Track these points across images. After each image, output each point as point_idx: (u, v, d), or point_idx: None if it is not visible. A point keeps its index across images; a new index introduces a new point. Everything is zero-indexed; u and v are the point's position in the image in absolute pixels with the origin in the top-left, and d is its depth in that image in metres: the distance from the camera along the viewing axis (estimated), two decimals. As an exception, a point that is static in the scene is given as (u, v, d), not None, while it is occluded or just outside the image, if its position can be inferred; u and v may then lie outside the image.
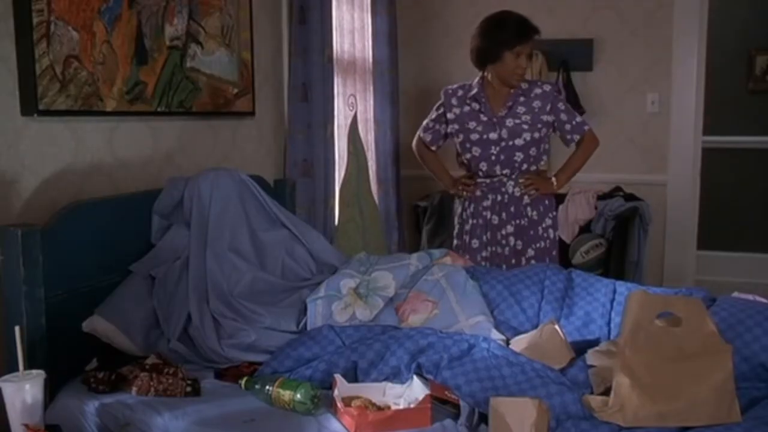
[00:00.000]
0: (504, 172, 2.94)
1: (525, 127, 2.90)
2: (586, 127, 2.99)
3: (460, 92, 3.02)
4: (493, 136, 2.91)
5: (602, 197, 4.00)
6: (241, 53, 3.03)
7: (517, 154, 2.91)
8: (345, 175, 3.73)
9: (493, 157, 2.93)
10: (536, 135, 2.92)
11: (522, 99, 2.92)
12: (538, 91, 2.95)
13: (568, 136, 2.98)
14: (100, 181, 2.38)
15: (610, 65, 4.25)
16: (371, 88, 4.11)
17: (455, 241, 3.12)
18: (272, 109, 3.37)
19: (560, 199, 3.94)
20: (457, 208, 3.13)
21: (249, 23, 3.08)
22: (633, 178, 4.17)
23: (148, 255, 2.32)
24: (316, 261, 2.51)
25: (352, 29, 3.94)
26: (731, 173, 5.51)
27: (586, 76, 4.27)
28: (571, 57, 4.22)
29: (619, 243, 3.85)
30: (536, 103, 2.92)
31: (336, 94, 3.65)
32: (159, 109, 2.59)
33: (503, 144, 2.91)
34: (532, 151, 2.92)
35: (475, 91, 2.97)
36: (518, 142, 2.90)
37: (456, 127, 3.00)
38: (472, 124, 2.95)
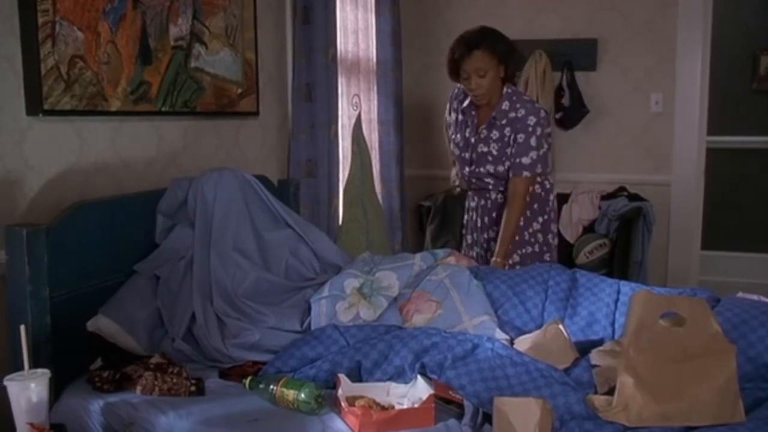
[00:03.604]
0: (481, 185, 2.93)
1: (489, 158, 2.84)
2: (524, 173, 2.74)
3: (461, 96, 2.99)
4: (466, 155, 2.92)
5: (606, 197, 4.00)
6: (245, 53, 3.04)
7: (486, 180, 2.89)
8: (349, 174, 3.73)
9: (467, 177, 2.95)
10: (500, 168, 2.82)
11: (497, 122, 2.82)
12: (512, 115, 2.79)
13: (509, 172, 2.80)
14: (105, 180, 2.38)
15: (614, 65, 4.25)
16: (375, 87, 4.12)
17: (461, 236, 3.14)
18: (276, 109, 3.37)
19: (564, 199, 3.94)
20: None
21: (253, 23, 3.08)
22: (637, 178, 4.17)
23: (152, 255, 2.32)
24: (320, 261, 2.51)
25: (355, 29, 3.94)
26: (735, 173, 5.50)
27: (590, 76, 4.26)
28: (574, 57, 4.22)
29: (622, 243, 3.84)
30: (507, 131, 2.80)
31: (340, 93, 3.65)
32: (163, 109, 2.59)
33: (473, 167, 2.90)
34: (503, 175, 2.83)
35: (466, 103, 2.94)
36: (483, 170, 2.87)
37: (450, 131, 3.04)
38: (457, 137, 2.97)
